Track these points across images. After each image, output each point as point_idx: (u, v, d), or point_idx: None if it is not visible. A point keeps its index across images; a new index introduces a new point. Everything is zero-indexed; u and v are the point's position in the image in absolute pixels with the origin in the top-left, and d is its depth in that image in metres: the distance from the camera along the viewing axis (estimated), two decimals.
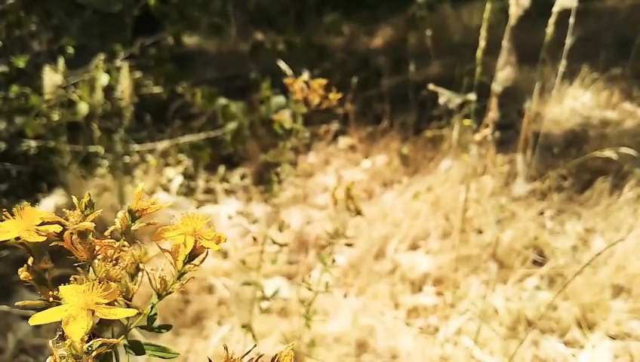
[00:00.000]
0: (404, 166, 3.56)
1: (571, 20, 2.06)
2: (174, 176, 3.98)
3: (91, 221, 0.64)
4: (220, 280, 2.53)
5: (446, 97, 2.40)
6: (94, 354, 0.55)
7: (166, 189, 3.83)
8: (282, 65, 2.55)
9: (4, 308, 2.37)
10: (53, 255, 2.24)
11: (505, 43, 2.20)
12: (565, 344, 2.20)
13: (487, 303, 2.32)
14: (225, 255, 2.77)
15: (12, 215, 0.61)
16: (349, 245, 1.29)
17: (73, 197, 0.67)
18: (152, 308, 0.67)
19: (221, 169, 4.01)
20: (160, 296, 0.67)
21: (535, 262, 2.61)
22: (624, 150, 2.43)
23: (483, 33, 2.02)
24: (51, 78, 3.04)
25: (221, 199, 3.67)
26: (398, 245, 2.73)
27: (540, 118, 3.74)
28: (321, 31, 7.20)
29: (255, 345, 0.73)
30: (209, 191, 3.85)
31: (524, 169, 2.50)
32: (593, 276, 2.45)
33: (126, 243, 0.69)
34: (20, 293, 2.60)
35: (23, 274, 0.65)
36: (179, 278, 0.67)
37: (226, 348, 0.60)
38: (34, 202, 2.46)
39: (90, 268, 0.64)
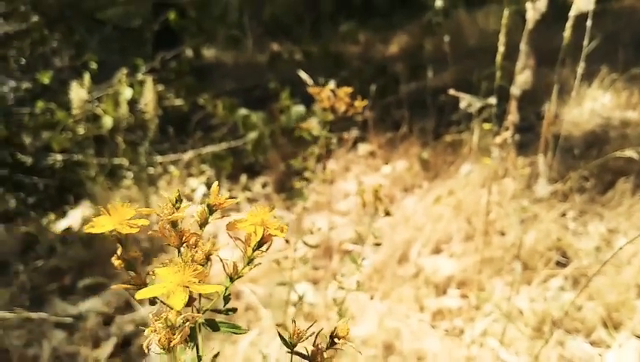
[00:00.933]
0: (424, 171, 3.59)
1: (589, 23, 2.08)
2: (197, 186, 4.05)
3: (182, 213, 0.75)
4: (247, 286, 2.58)
5: (467, 102, 2.43)
6: (186, 325, 0.63)
7: (190, 199, 3.90)
8: (302, 74, 2.61)
9: (42, 315, 2.44)
10: (85, 266, 2.31)
11: (523, 46, 2.22)
12: (591, 343, 2.21)
13: (512, 304, 2.33)
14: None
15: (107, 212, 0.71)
16: (378, 244, 1.33)
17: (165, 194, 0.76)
18: (226, 289, 0.76)
19: (243, 178, 4.08)
20: (232, 279, 0.76)
21: (559, 264, 2.61)
22: None
23: (502, 38, 2.05)
24: (78, 93, 3.13)
25: (244, 208, 3.73)
26: (422, 249, 2.76)
27: (559, 120, 3.74)
28: (337, 39, 7.27)
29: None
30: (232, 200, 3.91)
31: (546, 170, 2.52)
32: (618, 276, 2.45)
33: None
34: (53, 303, 2.68)
35: (116, 261, 0.73)
36: (248, 263, 0.76)
37: (294, 321, 0.71)
38: (61, 214, 2.58)
39: (178, 252, 0.74)
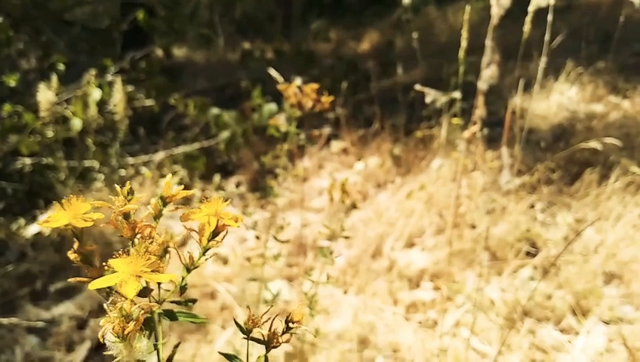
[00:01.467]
0: (396, 166, 3.63)
1: (549, 18, 2.13)
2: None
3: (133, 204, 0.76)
4: (222, 285, 2.58)
5: (432, 97, 2.47)
6: (141, 314, 0.64)
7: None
8: (273, 72, 2.61)
9: (13, 320, 2.41)
10: (57, 270, 2.29)
11: (488, 42, 2.26)
12: (561, 331, 2.27)
13: (483, 295, 2.38)
14: (225, 261, 2.82)
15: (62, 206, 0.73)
16: (347, 237, 1.35)
17: (116, 186, 0.78)
18: (182, 279, 0.76)
19: (216, 178, 4.06)
20: (189, 270, 0.77)
21: (528, 254, 2.67)
22: (609, 140, 2.51)
23: (464, 34, 2.09)
24: (46, 95, 3.08)
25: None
26: (394, 243, 2.79)
27: (526, 113, 3.82)
28: (309, 37, 7.27)
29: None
30: (205, 200, 3.90)
31: (509, 162, 2.57)
32: (585, 264, 2.51)
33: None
34: (25, 308, 2.64)
35: (72, 255, 0.76)
36: (204, 254, 0.77)
37: (248, 308, 0.74)
38: (31, 219, 2.54)
39: (132, 243, 0.75)
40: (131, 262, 0.66)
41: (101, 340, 0.64)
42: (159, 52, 5.72)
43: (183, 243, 3.23)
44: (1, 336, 2.44)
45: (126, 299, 0.64)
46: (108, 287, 0.71)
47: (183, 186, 0.85)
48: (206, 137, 4.42)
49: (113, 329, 0.63)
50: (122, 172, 4.10)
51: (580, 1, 7.65)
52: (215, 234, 0.77)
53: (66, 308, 2.65)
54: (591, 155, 3.35)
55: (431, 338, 2.24)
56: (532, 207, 2.97)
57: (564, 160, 3.25)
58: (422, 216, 2.93)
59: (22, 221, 3.68)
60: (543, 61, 2.12)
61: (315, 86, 1.45)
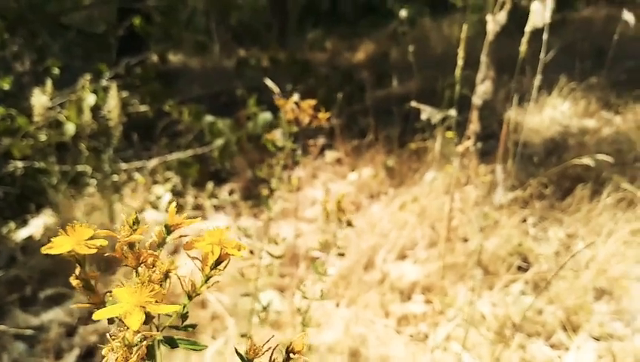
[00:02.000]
0: (389, 178, 3.64)
1: (545, 36, 2.15)
2: (163, 193, 4.01)
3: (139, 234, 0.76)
4: (213, 295, 2.57)
5: (428, 113, 2.48)
6: (144, 343, 0.64)
7: (155, 207, 3.86)
8: (269, 82, 2.62)
9: (1, 327, 2.39)
10: (47, 275, 2.27)
11: (483, 58, 2.28)
12: (551, 346, 2.27)
13: (475, 309, 2.38)
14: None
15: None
16: (341, 254, 1.35)
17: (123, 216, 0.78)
18: (184, 307, 0.76)
19: (209, 185, 4.06)
20: (190, 297, 0.77)
21: (520, 268, 2.68)
22: (601, 157, 2.53)
23: (461, 53, 2.10)
24: (40, 99, 3.07)
25: (210, 215, 3.71)
26: (387, 255, 2.79)
27: (520, 127, 3.84)
28: (304, 47, 7.30)
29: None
30: (198, 207, 3.89)
31: (503, 178, 2.58)
32: (576, 280, 2.52)
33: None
34: (13, 314, 2.61)
35: (74, 281, 0.75)
36: (206, 281, 0.77)
37: (250, 337, 0.72)
38: (22, 223, 2.53)
39: (136, 273, 0.75)
40: (135, 293, 0.66)
41: None
42: (155, 58, 5.72)
43: (175, 250, 3.22)
44: None
45: (129, 328, 0.64)
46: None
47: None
48: (200, 144, 4.42)
49: (116, 360, 0.63)
50: (115, 177, 4.09)
51: (573, 16, 7.74)
52: (218, 262, 0.78)
53: (55, 315, 2.63)
54: (583, 171, 3.38)
55: (422, 352, 2.24)
56: (524, 221, 2.98)
57: (556, 175, 3.27)
58: (414, 229, 2.93)
59: (12, 225, 3.65)
60: (537, 79, 2.13)
61: (312, 102, 1.46)
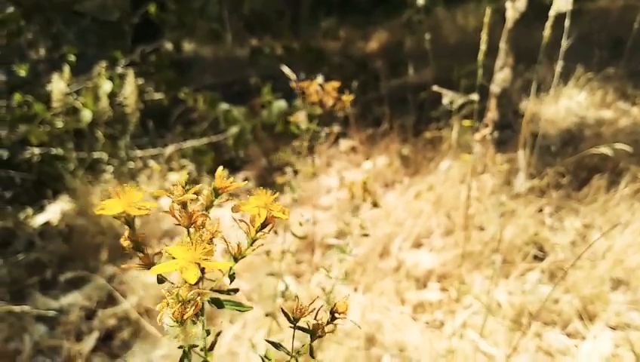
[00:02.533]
0: (404, 167, 3.63)
1: (567, 23, 2.13)
2: (177, 180, 4.03)
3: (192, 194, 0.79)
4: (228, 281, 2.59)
5: (449, 98, 2.47)
6: (198, 299, 0.68)
7: (171, 193, 3.88)
8: (285, 69, 2.62)
9: (25, 308, 2.42)
10: (65, 260, 2.30)
11: (502, 45, 2.27)
12: (567, 335, 2.27)
13: (491, 297, 2.38)
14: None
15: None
16: (365, 235, 1.36)
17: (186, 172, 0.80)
18: (230, 269, 0.80)
19: (224, 173, 4.07)
20: (236, 259, 0.80)
21: (536, 258, 2.68)
22: (620, 146, 2.51)
23: (484, 37, 2.09)
24: (58, 85, 3.09)
25: (225, 202, 3.73)
26: (402, 243, 2.80)
27: (536, 118, 3.82)
28: (318, 35, 7.28)
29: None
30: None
31: (525, 165, 2.57)
32: (593, 270, 2.52)
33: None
34: (34, 297, 2.65)
35: (125, 242, 0.78)
36: (251, 244, 0.80)
37: (296, 297, 0.78)
38: (39, 209, 2.56)
39: (187, 233, 0.78)
40: (190, 250, 0.69)
41: (159, 324, 0.67)
42: (169, 46, 5.73)
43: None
44: (10, 324, 2.45)
45: (184, 285, 0.68)
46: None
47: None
48: (214, 132, 4.43)
49: (173, 314, 0.66)
50: (131, 164, 4.11)
51: (589, 6, 7.64)
52: (264, 225, 0.80)
53: (74, 298, 2.67)
54: (600, 161, 3.36)
55: (438, 339, 2.25)
56: (541, 211, 2.98)
57: (573, 165, 3.25)
58: (430, 217, 2.94)
59: (29, 210, 3.69)
60: (559, 65, 2.12)
61: (336, 84, 1.47)
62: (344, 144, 4.13)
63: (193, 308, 0.67)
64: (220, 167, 0.85)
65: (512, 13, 2.38)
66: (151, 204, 0.77)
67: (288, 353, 0.82)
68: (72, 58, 4.70)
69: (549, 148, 3.51)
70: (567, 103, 4.47)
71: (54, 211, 3.66)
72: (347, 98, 1.47)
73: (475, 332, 2.24)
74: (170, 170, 4.23)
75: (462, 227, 2.67)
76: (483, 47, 2.05)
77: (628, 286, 2.49)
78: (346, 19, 8.83)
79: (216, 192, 0.84)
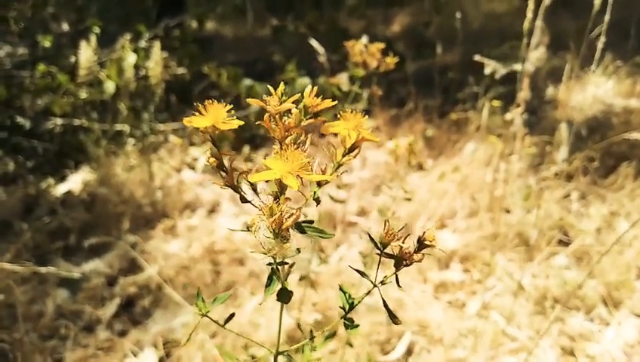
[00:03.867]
0: (428, 148, 3.60)
1: (607, 10, 2.08)
2: (199, 155, 4.04)
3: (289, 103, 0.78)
4: (252, 253, 2.59)
5: (492, 67, 2.43)
6: (296, 212, 0.68)
7: (192, 167, 3.89)
8: (314, 43, 2.59)
9: (50, 269, 2.45)
10: (87, 228, 2.30)
11: (539, 23, 2.22)
12: (591, 320, 2.25)
13: (514, 280, 2.36)
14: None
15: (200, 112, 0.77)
16: (408, 199, 1.34)
17: (269, 87, 0.80)
18: (314, 193, 0.80)
19: (246, 149, 4.07)
20: (320, 185, 0.79)
21: (561, 242, 2.64)
22: None
23: (531, 5, 2.04)
24: (86, 53, 3.09)
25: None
26: (426, 223, 2.78)
27: (564, 103, 3.76)
28: (343, 14, 7.21)
29: None
30: (234, 170, 3.90)
31: (568, 137, 2.52)
32: (619, 257, 2.48)
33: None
34: (56, 262, 2.68)
35: (210, 160, 0.80)
36: (337, 168, 0.79)
37: (386, 221, 0.78)
38: (60, 178, 2.57)
39: (281, 145, 0.78)
40: (286, 162, 0.70)
41: (254, 236, 0.66)
42: (193, 23, 5.71)
43: (212, 210, 3.25)
44: (33, 287, 2.48)
45: (282, 193, 0.71)
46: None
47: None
48: (236, 108, 4.41)
49: (271, 224, 0.66)
50: (152, 137, 4.12)
51: None
52: (352, 148, 0.79)
53: (96, 265, 2.69)
54: (628, 149, 3.30)
55: (459, 319, 2.23)
56: (567, 196, 2.93)
57: (600, 152, 3.20)
58: (454, 198, 2.91)
59: (51, 180, 3.72)
60: (601, 41, 2.06)
61: (380, 45, 1.44)
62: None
63: (293, 218, 0.67)
64: (309, 86, 0.82)
65: None
66: (237, 121, 0.78)
67: (372, 282, 0.81)
68: (96, 30, 4.70)
69: (578, 134, 3.45)
70: (594, 90, 4.38)
71: (76, 181, 3.69)
72: (391, 60, 1.44)
73: (498, 313, 2.22)
74: (192, 144, 4.23)
75: (487, 209, 2.63)
76: (529, 15, 2.00)
77: None
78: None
79: (306, 110, 0.82)
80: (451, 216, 2.84)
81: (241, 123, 0.77)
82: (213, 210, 3.20)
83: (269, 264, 0.74)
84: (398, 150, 1.34)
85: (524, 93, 2.27)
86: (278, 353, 0.87)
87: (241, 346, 2.07)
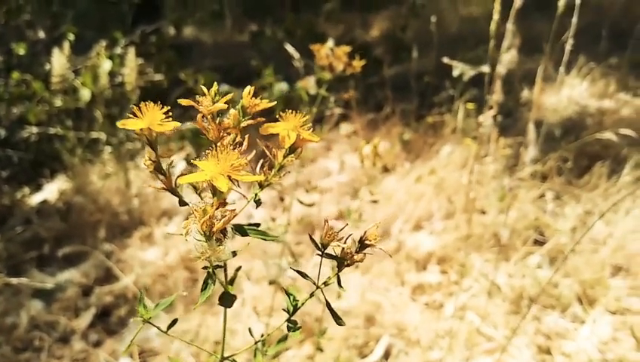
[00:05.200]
0: (405, 151, 3.62)
1: (577, 0, 2.11)
2: (177, 161, 4.01)
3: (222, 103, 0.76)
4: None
5: (460, 69, 2.45)
6: (229, 213, 0.66)
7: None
8: (289, 48, 2.59)
9: (22, 280, 2.41)
10: (62, 237, 2.27)
11: (510, 26, 2.24)
12: (567, 319, 2.27)
13: (491, 280, 2.38)
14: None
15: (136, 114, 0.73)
16: (375, 201, 1.34)
17: (202, 87, 0.78)
18: (256, 195, 0.77)
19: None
20: (262, 186, 0.77)
21: (536, 242, 2.67)
22: (625, 131, 2.50)
23: (497, 7, 2.06)
24: (59, 60, 3.06)
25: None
26: (403, 226, 2.79)
27: (539, 105, 3.80)
28: (319, 20, 7.22)
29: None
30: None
31: (535, 138, 2.55)
32: (593, 255, 2.51)
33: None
34: (30, 273, 2.64)
35: (146, 162, 0.76)
36: (279, 170, 0.78)
37: (326, 221, 0.76)
38: (36, 188, 2.53)
39: (216, 146, 0.75)
40: (218, 163, 0.68)
41: (186, 240, 0.65)
42: (169, 28, 5.68)
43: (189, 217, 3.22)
44: (7, 299, 2.44)
45: (215, 195, 0.67)
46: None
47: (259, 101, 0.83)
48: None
49: (201, 225, 0.64)
50: (129, 145, 4.08)
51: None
52: (292, 149, 0.77)
53: (71, 275, 2.65)
54: (601, 149, 3.34)
55: (437, 320, 2.24)
56: (542, 196, 2.97)
57: (574, 152, 3.24)
58: (431, 201, 2.92)
59: (27, 189, 3.67)
60: (569, 44, 2.09)
61: (346, 48, 1.44)
62: (345, 128, 4.10)
63: (223, 220, 0.66)
64: (248, 87, 0.81)
65: None
66: (174, 123, 0.74)
67: (314, 283, 0.80)
68: (71, 37, 4.65)
69: (552, 135, 3.50)
70: (569, 92, 4.45)
71: (51, 190, 3.64)
72: (358, 63, 1.44)
73: (475, 314, 2.24)
74: (169, 150, 4.20)
75: (463, 210, 2.65)
76: (496, 16, 2.02)
77: (628, 272, 2.49)
78: (348, 3, 8.76)
79: (244, 111, 0.80)
80: (428, 217, 2.86)
81: (178, 125, 0.76)
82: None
83: (204, 268, 0.72)
84: (364, 153, 1.34)
85: (496, 96, 2.29)
86: (223, 358, 0.87)
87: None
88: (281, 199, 1.54)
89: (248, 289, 2.41)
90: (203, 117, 0.77)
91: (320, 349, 1.55)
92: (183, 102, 0.77)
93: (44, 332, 2.30)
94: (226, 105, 0.76)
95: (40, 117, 4.09)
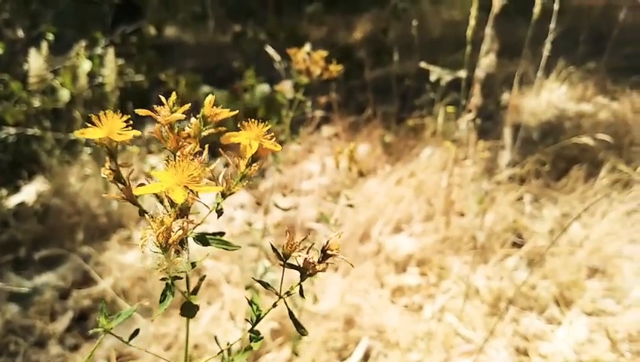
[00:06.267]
0: (386, 154, 3.63)
1: (555, 6, 2.14)
2: (157, 163, 3.98)
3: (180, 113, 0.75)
4: (210, 261, 2.56)
5: (437, 74, 2.46)
6: (185, 224, 0.66)
7: (149, 176, 3.82)
8: (270, 50, 2.59)
9: (0, 284, 2.37)
10: (40, 240, 2.25)
11: (488, 30, 2.27)
12: (544, 320, 2.29)
13: (469, 282, 2.39)
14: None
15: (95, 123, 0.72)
16: (350, 206, 1.35)
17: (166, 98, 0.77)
18: (218, 204, 0.77)
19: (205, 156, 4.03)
20: (224, 195, 0.77)
21: (514, 244, 2.69)
22: (601, 136, 2.53)
23: (473, 12, 2.08)
24: (36, 61, 3.02)
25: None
26: (383, 228, 2.79)
27: (518, 108, 3.84)
28: (302, 22, 7.23)
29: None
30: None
31: (511, 142, 2.58)
32: (570, 257, 2.54)
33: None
34: (7, 276, 2.60)
35: (105, 172, 0.75)
36: (241, 180, 0.77)
37: (288, 231, 0.75)
38: (14, 189, 2.50)
39: (174, 156, 0.75)
40: (176, 174, 0.67)
41: (142, 251, 0.64)
42: (150, 28, 5.64)
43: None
44: None
45: (172, 206, 0.67)
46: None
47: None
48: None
49: (157, 237, 0.63)
50: None
51: (573, 2, 7.70)
52: (254, 159, 0.77)
53: (48, 278, 2.62)
54: (579, 152, 3.39)
55: (416, 322, 2.25)
56: (520, 199, 3.00)
57: (552, 156, 3.28)
58: (410, 203, 2.94)
59: (4, 191, 3.61)
60: (547, 48, 2.12)
61: (323, 53, 1.44)
62: (326, 130, 4.11)
63: (179, 232, 0.65)
64: (210, 95, 0.81)
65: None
66: (134, 132, 0.74)
67: (277, 293, 0.79)
68: (50, 37, 4.60)
69: (530, 138, 3.53)
70: (548, 96, 4.50)
71: (29, 192, 3.59)
72: (335, 67, 1.45)
73: (454, 316, 2.25)
74: (149, 152, 4.17)
75: (442, 213, 2.67)
76: (472, 22, 2.04)
77: (604, 274, 2.52)
78: (331, 6, 8.78)
79: (205, 121, 0.80)
80: (408, 220, 2.87)
81: (138, 134, 0.75)
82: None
83: (162, 279, 0.71)
84: (339, 157, 1.34)
85: (475, 100, 2.31)
86: None
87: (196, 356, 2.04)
88: (258, 203, 1.53)
89: (228, 292, 2.40)
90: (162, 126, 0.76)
91: (295, 354, 1.55)
92: (140, 112, 0.76)
93: (19, 336, 2.27)
94: (184, 116, 0.76)
95: (18, 117, 4.03)
